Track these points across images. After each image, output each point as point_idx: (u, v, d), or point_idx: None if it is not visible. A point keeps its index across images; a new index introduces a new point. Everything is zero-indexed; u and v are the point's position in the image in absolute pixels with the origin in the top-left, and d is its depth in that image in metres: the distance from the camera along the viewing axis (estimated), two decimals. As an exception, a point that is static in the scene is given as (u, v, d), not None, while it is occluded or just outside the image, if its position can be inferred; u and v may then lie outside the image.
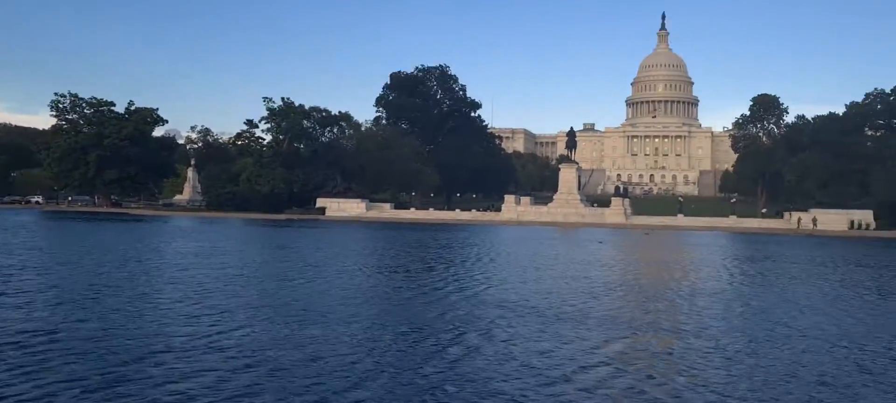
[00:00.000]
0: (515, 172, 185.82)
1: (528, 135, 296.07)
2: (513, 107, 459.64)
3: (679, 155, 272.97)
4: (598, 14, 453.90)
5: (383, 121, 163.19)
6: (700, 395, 13.65)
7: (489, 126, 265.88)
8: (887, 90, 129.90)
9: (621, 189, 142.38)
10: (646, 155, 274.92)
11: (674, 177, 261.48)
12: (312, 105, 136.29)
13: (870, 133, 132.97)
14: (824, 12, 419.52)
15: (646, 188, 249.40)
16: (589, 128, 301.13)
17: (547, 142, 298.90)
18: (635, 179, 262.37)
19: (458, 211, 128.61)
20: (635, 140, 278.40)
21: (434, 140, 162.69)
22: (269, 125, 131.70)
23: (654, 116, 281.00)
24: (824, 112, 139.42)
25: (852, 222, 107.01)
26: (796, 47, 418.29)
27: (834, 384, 14.74)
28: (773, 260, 50.29)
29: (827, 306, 26.40)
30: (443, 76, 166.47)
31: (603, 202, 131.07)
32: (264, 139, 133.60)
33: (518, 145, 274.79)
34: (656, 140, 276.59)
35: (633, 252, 57.94)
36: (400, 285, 30.04)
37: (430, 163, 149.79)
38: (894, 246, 75.62)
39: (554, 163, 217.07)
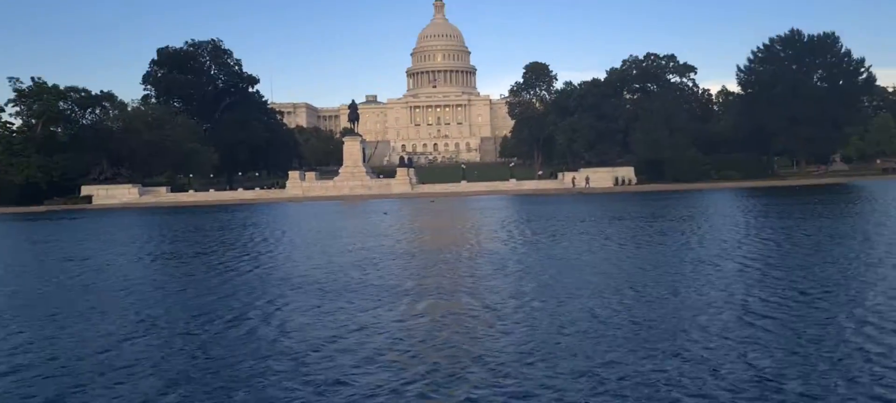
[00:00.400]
0: (299, 147, 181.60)
1: (311, 110, 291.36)
2: (294, 82, 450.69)
3: (460, 123, 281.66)
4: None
5: (153, 100, 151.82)
6: (474, 351, 13.67)
7: (269, 101, 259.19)
8: (640, 57, 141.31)
9: (406, 159, 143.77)
10: (429, 124, 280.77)
11: (456, 144, 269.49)
12: (69, 85, 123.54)
13: (628, 96, 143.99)
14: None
15: (430, 157, 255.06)
16: (372, 100, 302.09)
17: (330, 116, 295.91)
18: (419, 149, 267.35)
19: (240, 190, 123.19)
20: (417, 110, 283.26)
21: (211, 118, 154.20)
22: (18, 108, 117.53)
23: (435, 86, 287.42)
24: (589, 78, 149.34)
25: (616, 178, 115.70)
26: (563, 17, 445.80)
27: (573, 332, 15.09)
28: (546, 219, 52.14)
29: (589, 259, 27.21)
30: (216, 50, 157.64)
31: (389, 173, 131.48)
32: (13, 124, 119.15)
33: (300, 120, 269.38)
34: (438, 109, 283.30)
35: (417, 220, 58.07)
36: (172, 272, 27.14)
37: (208, 143, 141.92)
38: (651, 198, 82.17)
39: (338, 136, 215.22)
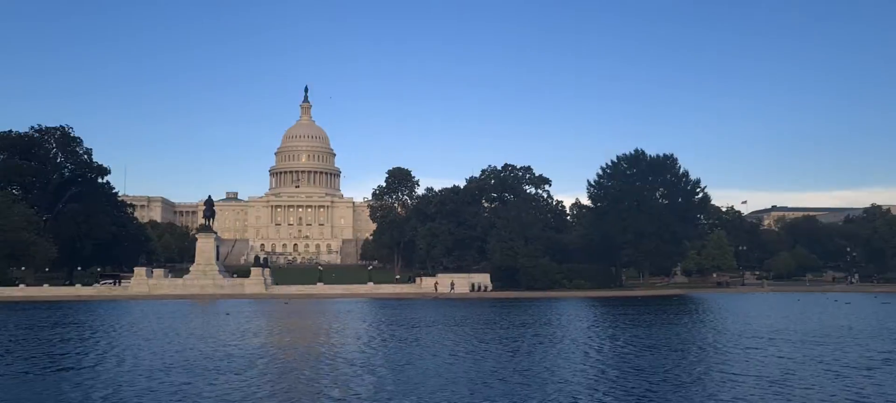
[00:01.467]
0: (150, 243, 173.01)
1: (167, 204, 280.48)
2: (151, 175, 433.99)
3: (322, 224, 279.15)
4: (243, 82, 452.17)
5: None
6: None
7: (122, 194, 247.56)
8: (499, 167, 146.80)
9: (261, 259, 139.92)
10: (289, 224, 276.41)
11: (317, 246, 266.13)
12: None
13: (486, 204, 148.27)
14: (447, 91, 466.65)
15: (289, 257, 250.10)
16: (232, 197, 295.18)
17: (187, 211, 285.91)
18: (279, 249, 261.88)
19: (78, 286, 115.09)
20: (279, 209, 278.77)
21: (53, 208, 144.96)
22: None
23: (298, 186, 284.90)
24: (450, 185, 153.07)
25: (473, 285, 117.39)
26: (428, 124, 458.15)
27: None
28: (388, 324, 51.92)
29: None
30: (64, 138, 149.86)
31: (244, 272, 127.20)
32: None
33: (155, 214, 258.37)
34: (300, 210, 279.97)
35: (256, 321, 56.68)
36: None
37: (49, 234, 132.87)
38: (502, 305, 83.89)
39: (193, 233, 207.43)
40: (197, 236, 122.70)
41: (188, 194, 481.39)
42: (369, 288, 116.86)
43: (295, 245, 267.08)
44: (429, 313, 67.39)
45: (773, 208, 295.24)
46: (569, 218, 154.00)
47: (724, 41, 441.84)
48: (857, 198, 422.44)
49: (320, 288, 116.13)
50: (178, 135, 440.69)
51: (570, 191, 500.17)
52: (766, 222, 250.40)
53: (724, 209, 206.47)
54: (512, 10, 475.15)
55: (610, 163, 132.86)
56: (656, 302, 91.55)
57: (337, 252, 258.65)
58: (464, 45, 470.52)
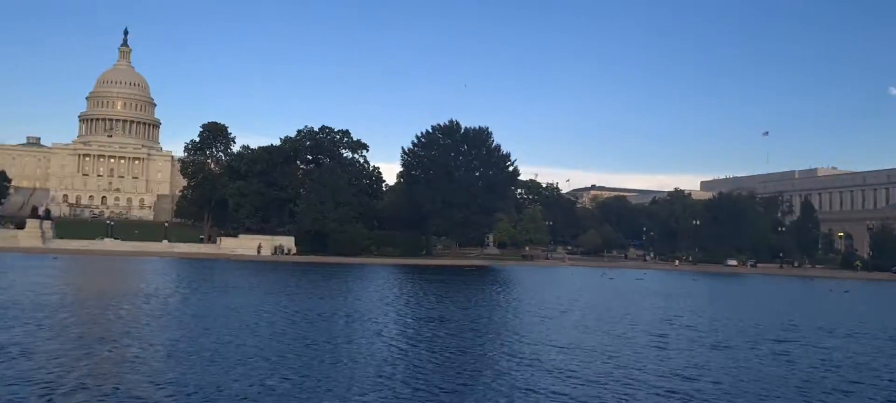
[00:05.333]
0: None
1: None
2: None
3: (136, 177, 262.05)
4: (55, 18, 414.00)
5: None
6: None
7: None
8: (316, 128, 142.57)
9: (41, 210, 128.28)
10: (99, 175, 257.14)
11: (129, 200, 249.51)
12: None
13: (301, 166, 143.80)
14: (273, 47, 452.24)
15: (97, 211, 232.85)
16: (34, 141, 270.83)
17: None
18: (86, 201, 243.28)
19: None
20: (88, 159, 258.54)
21: None
22: None
23: (111, 135, 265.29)
24: (267, 144, 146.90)
25: (275, 247, 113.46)
26: (255, 79, 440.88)
27: None
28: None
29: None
30: None
31: (23, 224, 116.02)
32: None
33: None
34: (112, 160, 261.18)
35: None
36: None
37: None
38: (300, 270, 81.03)
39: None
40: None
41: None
42: (164, 246, 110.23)
43: (103, 197, 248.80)
44: (213, 274, 63.44)
45: (592, 187, 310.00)
46: (385, 185, 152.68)
47: (567, 26, 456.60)
48: (674, 182, 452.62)
49: (108, 244, 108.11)
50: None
51: (389, 160, 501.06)
52: (583, 200, 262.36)
53: (544, 185, 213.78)
54: None
55: (425, 132, 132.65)
56: (452, 271, 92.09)
57: (150, 207, 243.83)
58: (293, 4, 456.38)
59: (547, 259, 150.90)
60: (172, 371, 21.09)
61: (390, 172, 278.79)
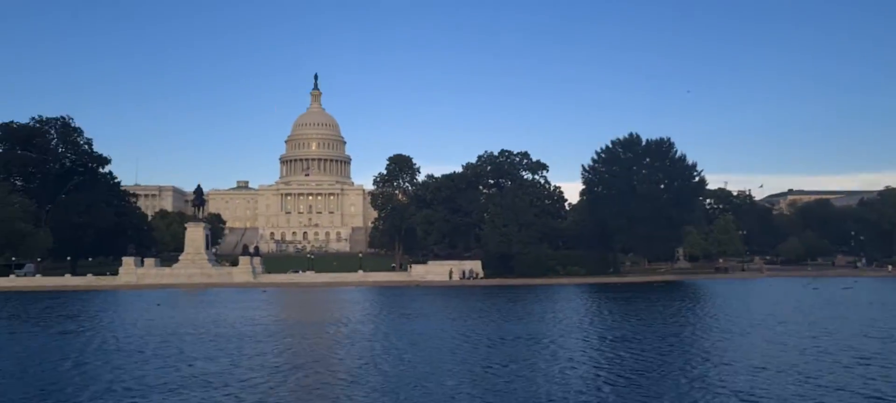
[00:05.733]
0: (152, 232, 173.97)
1: (177, 193, 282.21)
2: (164, 165, 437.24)
3: (332, 212, 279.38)
4: (253, 71, 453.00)
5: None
6: None
7: (133, 184, 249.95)
8: (496, 153, 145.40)
9: (249, 248, 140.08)
10: (299, 212, 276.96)
11: (327, 233, 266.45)
12: None
13: (483, 191, 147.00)
14: (452, 78, 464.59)
15: (299, 245, 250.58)
16: (243, 185, 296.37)
17: (204, 200, 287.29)
18: (289, 237, 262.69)
19: (67, 276, 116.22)
20: (289, 197, 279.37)
21: (54, 198, 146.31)
22: None
23: (308, 174, 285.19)
24: (451, 171, 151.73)
25: (463, 272, 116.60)
26: (436, 111, 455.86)
27: None
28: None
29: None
30: (65, 128, 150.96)
31: (236, 261, 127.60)
32: None
33: (166, 203, 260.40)
34: (310, 197, 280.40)
35: (173, 312, 56.53)
36: None
37: (50, 224, 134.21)
38: (486, 293, 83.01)
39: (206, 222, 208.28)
40: (186, 226, 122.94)
41: (202, 183, 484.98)
42: (359, 276, 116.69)
43: (304, 233, 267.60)
44: (404, 301, 66.83)
45: (790, 192, 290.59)
46: (567, 205, 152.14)
47: (745, 27, 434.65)
48: (883, 180, 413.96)
49: (308, 276, 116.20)
50: (190, 126, 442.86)
51: (570, 179, 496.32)
52: (780, 206, 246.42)
53: (735, 193, 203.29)
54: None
55: (605, 148, 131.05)
56: (639, 288, 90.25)
57: (346, 239, 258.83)
58: (467, 33, 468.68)
59: (743, 270, 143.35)
60: (353, 398, 22.86)
61: (572, 191, 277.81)
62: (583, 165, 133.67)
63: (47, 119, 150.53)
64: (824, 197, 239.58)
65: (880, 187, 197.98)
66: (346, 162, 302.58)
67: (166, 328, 43.96)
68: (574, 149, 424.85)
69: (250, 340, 37.99)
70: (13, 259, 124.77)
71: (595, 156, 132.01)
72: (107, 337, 39.37)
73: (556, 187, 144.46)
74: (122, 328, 44.88)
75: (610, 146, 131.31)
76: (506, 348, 34.17)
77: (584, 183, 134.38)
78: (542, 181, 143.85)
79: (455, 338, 38.12)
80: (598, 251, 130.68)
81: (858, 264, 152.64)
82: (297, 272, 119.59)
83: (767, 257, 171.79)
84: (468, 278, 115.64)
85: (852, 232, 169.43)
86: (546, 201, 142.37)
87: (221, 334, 40.66)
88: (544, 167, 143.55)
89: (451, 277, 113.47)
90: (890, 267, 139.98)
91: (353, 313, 56.22)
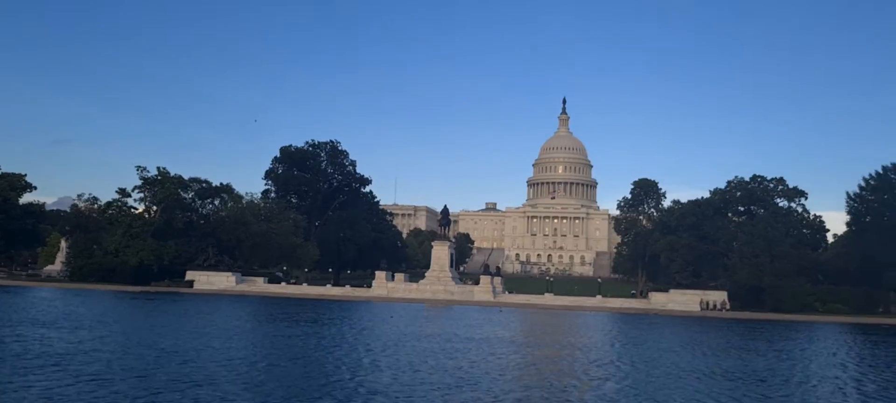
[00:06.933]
0: (405, 249, 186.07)
1: (431, 213, 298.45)
2: (419, 187, 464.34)
3: (577, 236, 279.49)
4: (503, 97, 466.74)
5: (272, 195, 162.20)
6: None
7: (392, 204, 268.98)
8: (747, 178, 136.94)
9: (491, 268, 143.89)
10: (545, 235, 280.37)
11: (571, 257, 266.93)
12: (192, 176, 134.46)
13: (733, 218, 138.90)
14: (704, 99, 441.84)
15: (544, 267, 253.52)
16: (491, 207, 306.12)
17: (451, 220, 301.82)
18: (534, 258, 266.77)
19: (328, 286, 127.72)
20: (534, 220, 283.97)
21: (322, 215, 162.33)
22: (142, 194, 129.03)
23: (554, 197, 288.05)
24: (698, 197, 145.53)
25: (705, 303, 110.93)
26: (686, 134, 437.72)
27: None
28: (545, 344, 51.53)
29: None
30: (333, 151, 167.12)
31: (478, 281, 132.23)
32: (136, 209, 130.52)
33: (420, 222, 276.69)
34: (555, 221, 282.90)
35: (410, 326, 58.93)
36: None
37: (317, 238, 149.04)
38: (726, 327, 78.53)
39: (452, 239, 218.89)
40: (433, 244, 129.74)
41: (452, 204, 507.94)
42: (597, 301, 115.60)
43: (549, 255, 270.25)
44: (640, 330, 65.63)
45: None
46: (828, 235, 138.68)
47: None
48: None
49: (547, 298, 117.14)
50: (444, 150, 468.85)
51: (832, 208, 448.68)
52: None
53: None
54: (762, 14, 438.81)
55: (875, 174, 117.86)
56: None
57: (590, 264, 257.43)
58: (715, 53, 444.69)
59: None
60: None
61: (833, 221, 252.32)
62: (848, 192, 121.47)
63: (319, 142, 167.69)
64: None
65: None
66: (592, 186, 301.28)
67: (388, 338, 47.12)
68: (836, 176, 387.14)
69: (444, 353, 39.44)
70: (284, 268, 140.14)
71: (863, 183, 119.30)
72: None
73: (815, 216, 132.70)
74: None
75: (882, 171, 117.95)
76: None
77: (850, 212, 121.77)
78: (800, 209, 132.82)
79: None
80: (865, 288, 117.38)
81: None
82: (536, 295, 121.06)
83: None
84: (713, 309, 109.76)
85: None
86: (804, 231, 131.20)
87: (425, 348, 42.10)
88: (802, 194, 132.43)
89: (704, 307, 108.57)
90: None
91: (577, 337, 56.24)
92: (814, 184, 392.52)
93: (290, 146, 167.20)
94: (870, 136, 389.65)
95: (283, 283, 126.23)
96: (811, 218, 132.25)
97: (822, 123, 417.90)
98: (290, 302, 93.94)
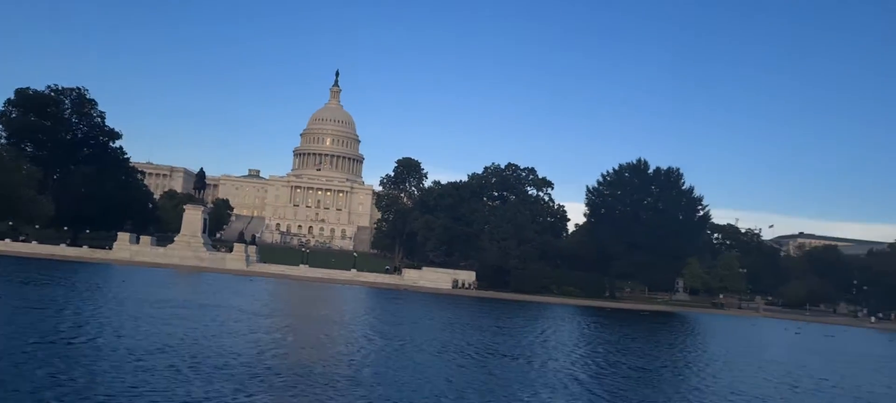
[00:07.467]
0: (157, 211, 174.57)
1: (188, 175, 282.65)
2: (179, 146, 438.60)
3: (340, 209, 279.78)
4: (274, 63, 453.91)
5: (3, 141, 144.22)
6: None
7: (146, 162, 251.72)
8: (502, 165, 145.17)
9: (247, 236, 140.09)
10: (307, 206, 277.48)
11: (332, 230, 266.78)
12: None
13: (488, 202, 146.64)
14: (470, 86, 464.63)
15: (304, 239, 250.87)
16: (254, 174, 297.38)
17: (209, 184, 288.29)
18: (295, 230, 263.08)
19: (63, 246, 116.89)
20: (298, 190, 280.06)
21: (63, 168, 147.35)
22: None
23: (320, 169, 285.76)
24: (457, 180, 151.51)
25: (456, 281, 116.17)
26: (448, 118, 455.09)
27: None
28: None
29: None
30: (79, 99, 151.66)
31: (232, 248, 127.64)
32: None
33: (176, 184, 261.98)
34: (319, 193, 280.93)
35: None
36: None
37: (51, 193, 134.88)
38: (465, 305, 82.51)
39: (210, 204, 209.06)
40: (184, 208, 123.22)
41: (212, 168, 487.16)
42: (351, 274, 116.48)
43: (310, 227, 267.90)
44: (382, 302, 66.51)
45: (800, 235, 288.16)
46: (570, 224, 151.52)
47: (759, 67, 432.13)
48: (890, 232, 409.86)
49: (302, 270, 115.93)
50: (206, 110, 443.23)
51: (576, 199, 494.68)
52: (787, 248, 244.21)
53: (743, 230, 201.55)
54: (535, 11, 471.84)
55: (612, 171, 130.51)
56: (626, 315, 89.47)
57: (351, 238, 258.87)
58: (487, 43, 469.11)
59: (739, 308, 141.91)
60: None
61: (576, 211, 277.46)
62: (588, 186, 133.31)
63: (63, 88, 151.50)
64: (833, 243, 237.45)
65: (891, 239, 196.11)
66: (359, 160, 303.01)
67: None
68: (582, 170, 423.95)
69: (163, 320, 37.47)
70: (10, 223, 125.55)
71: (601, 179, 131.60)
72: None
73: (559, 206, 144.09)
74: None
75: (617, 170, 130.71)
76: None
77: (588, 204, 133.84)
78: (547, 198, 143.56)
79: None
80: (597, 274, 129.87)
81: (859, 314, 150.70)
82: (290, 266, 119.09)
83: (769, 298, 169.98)
84: (463, 287, 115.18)
85: (854, 282, 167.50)
86: (549, 219, 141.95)
87: (148, 314, 39.79)
88: (549, 185, 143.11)
89: (455, 286, 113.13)
90: (894, 317, 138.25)
91: (318, 309, 56.01)
92: (561, 175, 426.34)
93: (29, 89, 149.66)
94: (614, 135, 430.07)
95: (7, 240, 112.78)
96: (556, 207, 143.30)
97: (571, 119, 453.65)
98: (12, 260, 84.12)
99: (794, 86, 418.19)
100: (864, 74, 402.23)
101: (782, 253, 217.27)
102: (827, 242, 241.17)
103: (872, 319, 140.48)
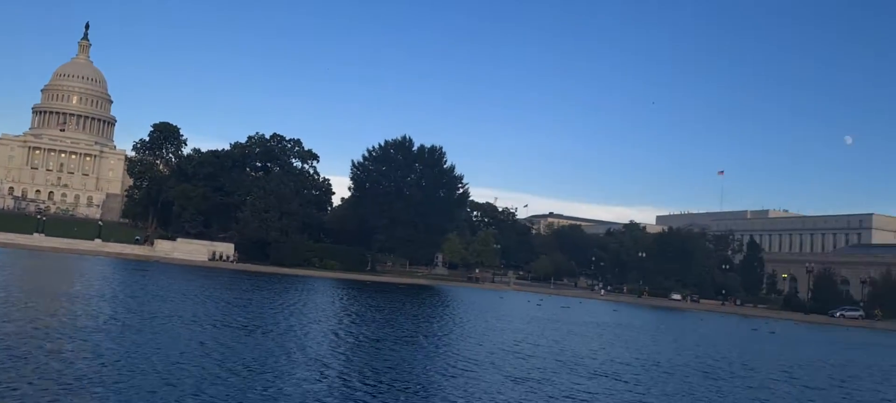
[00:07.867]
0: None
1: None
2: None
3: (86, 174, 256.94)
4: (11, 8, 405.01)
5: None
6: None
7: None
8: (267, 136, 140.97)
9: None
10: (49, 170, 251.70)
11: (77, 197, 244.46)
12: None
13: (251, 173, 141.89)
14: (233, 53, 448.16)
15: (43, 205, 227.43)
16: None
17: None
18: (32, 195, 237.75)
19: None
20: (38, 152, 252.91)
21: None
22: None
23: (63, 130, 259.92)
24: (220, 148, 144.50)
25: (214, 253, 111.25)
26: (206, 83, 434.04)
27: None
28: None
29: None
30: None
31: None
32: None
33: None
34: (63, 155, 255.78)
35: None
36: None
37: None
38: (215, 277, 79.10)
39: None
40: None
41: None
42: (96, 245, 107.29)
43: (51, 193, 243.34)
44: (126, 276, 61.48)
45: (550, 214, 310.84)
46: (336, 197, 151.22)
47: (519, 62, 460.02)
48: (632, 214, 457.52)
49: (36, 239, 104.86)
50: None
51: (343, 173, 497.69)
52: (539, 227, 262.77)
53: (500, 209, 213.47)
54: None
55: (377, 147, 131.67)
56: (384, 288, 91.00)
57: (99, 205, 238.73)
58: (257, 8, 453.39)
59: (493, 282, 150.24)
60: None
61: (342, 185, 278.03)
62: (353, 161, 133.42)
63: None
64: (578, 223, 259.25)
65: (628, 220, 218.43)
66: (111, 123, 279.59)
67: None
68: (350, 145, 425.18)
69: None
70: None
71: (367, 154, 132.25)
72: None
73: (325, 179, 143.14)
74: None
75: (382, 145, 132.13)
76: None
77: (353, 179, 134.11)
78: (312, 171, 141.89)
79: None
80: (359, 248, 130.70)
81: (595, 287, 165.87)
82: (23, 235, 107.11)
83: (521, 272, 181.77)
84: (222, 260, 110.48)
85: (592, 258, 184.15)
86: (314, 192, 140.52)
87: None
88: (315, 157, 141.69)
89: (213, 258, 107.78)
90: (626, 290, 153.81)
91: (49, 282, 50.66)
92: (329, 149, 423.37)
93: None
94: (383, 112, 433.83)
95: None
96: (321, 180, 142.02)
97: (339, 92, 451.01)
98: None
99: (551, 78, 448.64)
100: (613, 74, 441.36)
101: (534, 232, 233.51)
102: (573, 222, 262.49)
103: (602, 292, 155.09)
